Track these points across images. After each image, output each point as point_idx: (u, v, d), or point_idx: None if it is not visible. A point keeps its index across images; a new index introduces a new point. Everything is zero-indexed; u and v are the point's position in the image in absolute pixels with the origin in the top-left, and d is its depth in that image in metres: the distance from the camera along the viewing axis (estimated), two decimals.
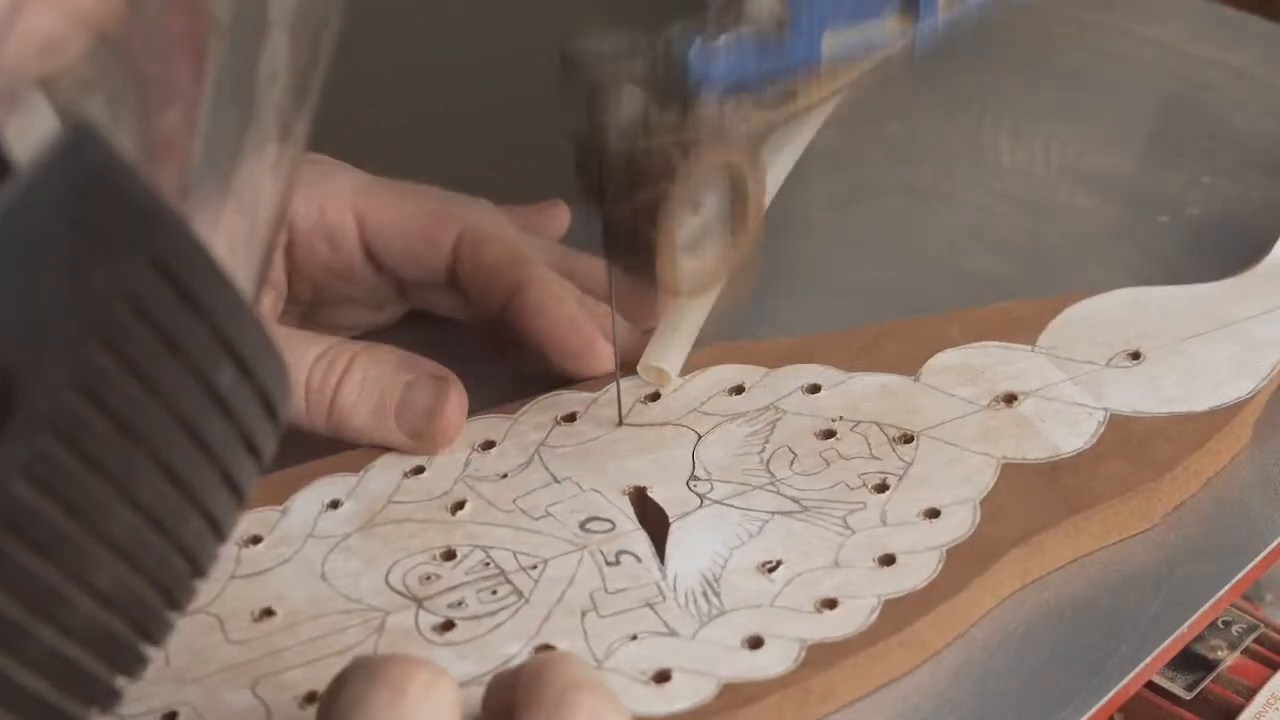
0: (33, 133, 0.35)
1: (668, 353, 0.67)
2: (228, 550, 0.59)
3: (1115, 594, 0.60)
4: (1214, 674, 0.66)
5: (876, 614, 0.57)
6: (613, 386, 0.66)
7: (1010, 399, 0.65)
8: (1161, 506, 0.62)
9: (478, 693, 0.53)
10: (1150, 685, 0.65)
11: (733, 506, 0.62)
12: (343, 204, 0.69)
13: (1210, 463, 0.64)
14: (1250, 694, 0.66)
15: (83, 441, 0.36)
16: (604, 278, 0.68)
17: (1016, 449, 0.63)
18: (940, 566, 0.59)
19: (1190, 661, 0.66)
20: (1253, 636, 0.67)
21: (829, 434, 0.64)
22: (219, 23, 0.41)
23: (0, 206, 0.33)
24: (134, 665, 0.41)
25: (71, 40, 0.37)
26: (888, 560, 0.59)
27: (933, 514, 0.61)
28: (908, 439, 0.64)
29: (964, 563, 0.59)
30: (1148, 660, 0.58)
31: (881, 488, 0.62)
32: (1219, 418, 0.64)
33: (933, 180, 0.80)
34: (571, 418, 0.66)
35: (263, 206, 0.43)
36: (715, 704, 0.55)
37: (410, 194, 0.69)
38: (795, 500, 0.62)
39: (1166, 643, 0.59)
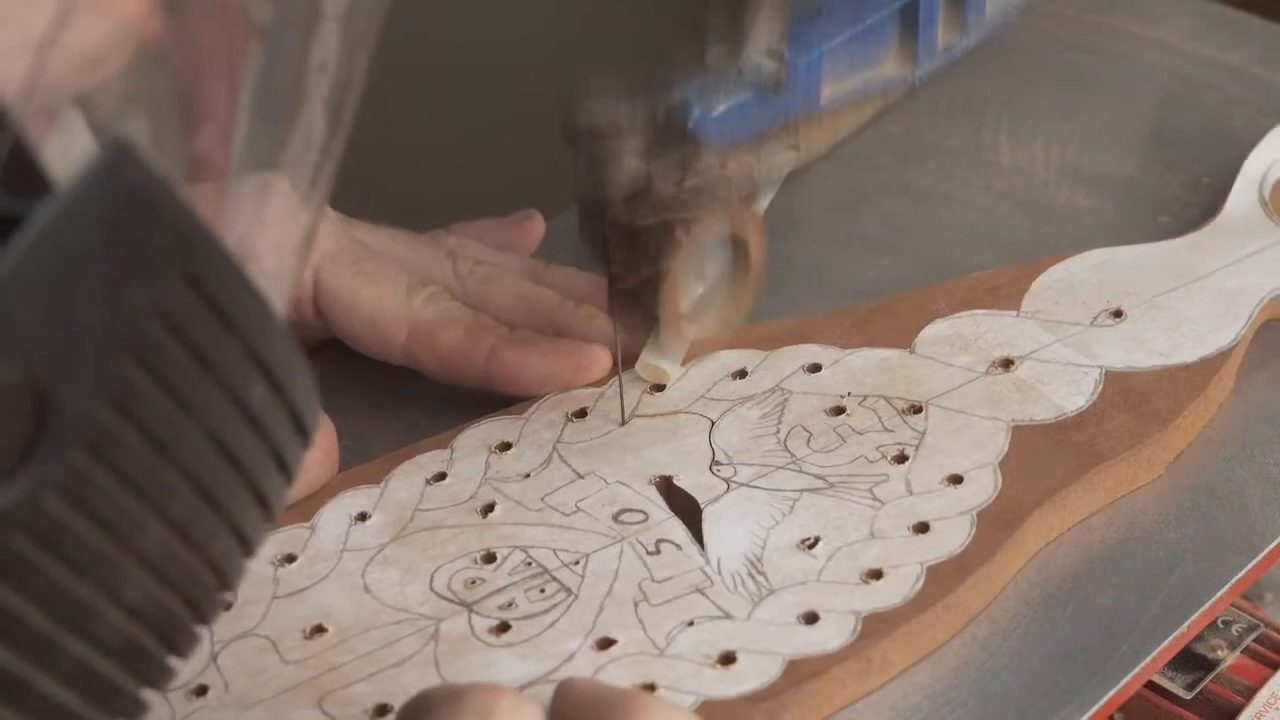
0: (70, 151, 0.36)
1: (666, 351, 0.67)
2: (265, 571, 0.60)
3: (1115, 594, 0.60)
4: (1214, 674, 0.66)
5: (922, 581, 0.58)
6: (615, 380, 0.66)
7: (1007, 364, 0.66)
8: (1165, 457, 0.64)
9: (545, 691, 0.53)
10: (1150, 685, 0.65)
11: (760, 488, 0.62)
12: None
13: (1204, 411, 0.66)
14: (1250, 694, 0.66)
15: (115, 457, 0.36)
16: (576, 286, 0.70)
17: (1022, 411, 0.64)
18: (973, 530, 0.60)
19: (1190, 661, 0.66)
20: (1253, 636, 0.67)
21: (839, 410, 0.65)
22: (260, 31, 0.41)
23: (38, 225, 0.33)
24: (160, 677, 0.41)
25: (112, 56, 0.38)
26: (922, 528, 0.60)
27: (956, 480, 0.62)
28: (916, 409, 0.65)
29: (994, 525, 0.60)
30: (1148, 660, 0.58)
31: (901, 458, 0.63)
32: (1209, 367, 0.66)
33: (933, 180, 0.80)
34: (582, 413, 0.66)
35: (296, 223, 0.43)
36: (782, 682, 0.55)
37: (364, 274, 0.68)
38: (820, 477, 0.62)
39: (1166, 642, 0.59)
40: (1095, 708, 0.57)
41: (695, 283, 0.65)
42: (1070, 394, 0.65)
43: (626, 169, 0.62)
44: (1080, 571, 0.61)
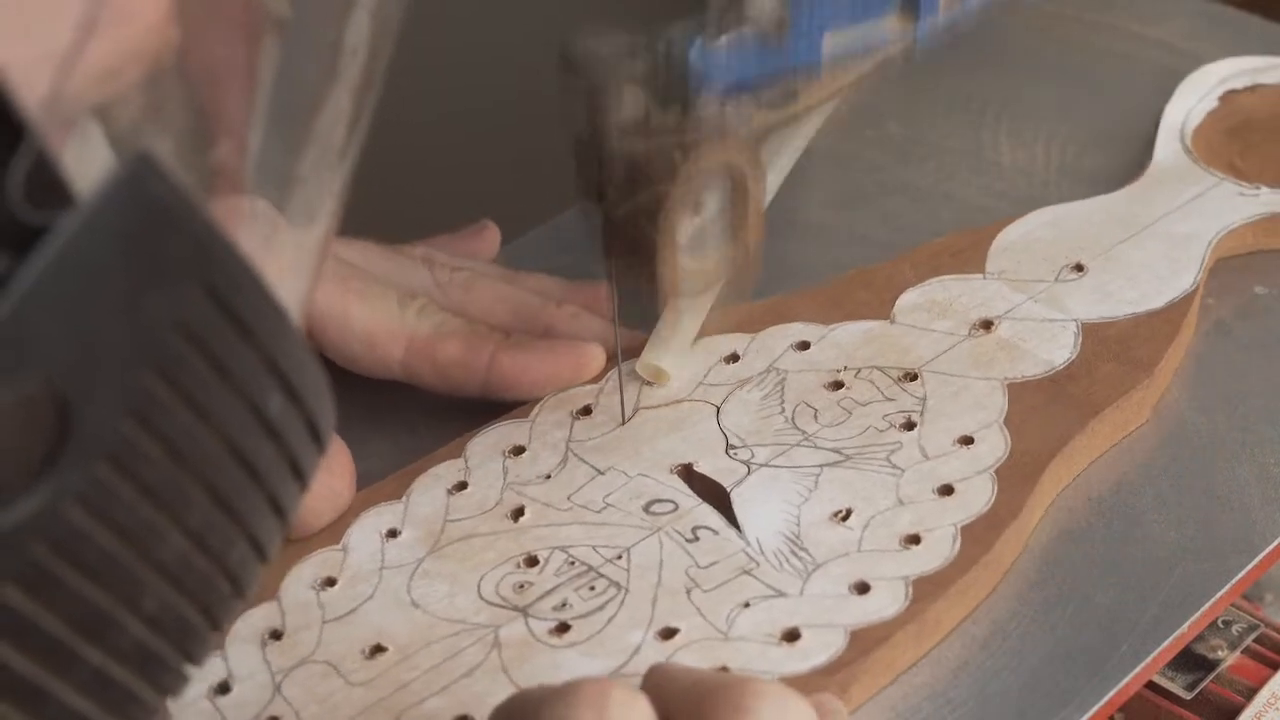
0: (89, 163, 0.36)
1: (667, 351, 0.67)
2: (308, 596, 0.59)
3: (1115, 594, 0.60)
4: (1214, 674, 0.67)
5: (958, 541, 0.59)
6: (613, 374, 0.67)
7: (987, 325, 0.68)
8: (1151, 400, 0.66)
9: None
10: (1150, 685, 0.66)
11: (780, 467, 0.63)
12: None
13: (1176, 354, 0.67)
14: (1250, 694, 0.66)
15: (136, 468, 0.36)
16: (549, 290, 0.70)
17: (1013, 369, 0.66)
18: (995, 488, 0.61)
19: (1190, 661, 0.66)
20: (1253, 636, 0.68)
21: (838, 385, 0.66)
22: (277, 25, 0.41)
23: (60, 237, 0.33)
24: (176, 685, 0.41)
25: (131, 66, 0.38)
26: (946, 490, 0.61)
27: (967, 441, 0.63)
28: (912, 377, 0.66)
29: (1013, 481, 0.61)
30: (1148, 660, 0.58)
31: (909, 425, 0.64)
32: (1177, 310, 0.68)
33: (933, 180, 0.80)
34: (587, 410, 0.66)
35: (314, 231, 0.43)
36: (850, 652, 0.56)
37: (353, 292, 0.67)
38: (836, 451, 0.63)
39: (1166, 643, 0.59)
40: (1095, 708, 0.57)
41: (693, 214, 0.64)
42: (1054, 348, 0.66)
43: (625, 96, 0.62)
44: (1080, 571, 0.61)
